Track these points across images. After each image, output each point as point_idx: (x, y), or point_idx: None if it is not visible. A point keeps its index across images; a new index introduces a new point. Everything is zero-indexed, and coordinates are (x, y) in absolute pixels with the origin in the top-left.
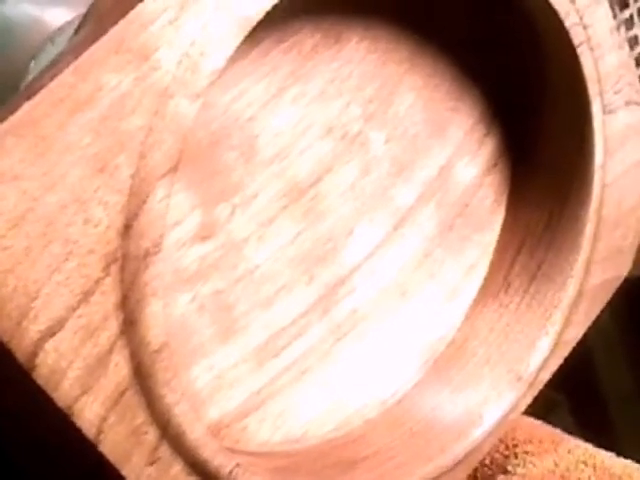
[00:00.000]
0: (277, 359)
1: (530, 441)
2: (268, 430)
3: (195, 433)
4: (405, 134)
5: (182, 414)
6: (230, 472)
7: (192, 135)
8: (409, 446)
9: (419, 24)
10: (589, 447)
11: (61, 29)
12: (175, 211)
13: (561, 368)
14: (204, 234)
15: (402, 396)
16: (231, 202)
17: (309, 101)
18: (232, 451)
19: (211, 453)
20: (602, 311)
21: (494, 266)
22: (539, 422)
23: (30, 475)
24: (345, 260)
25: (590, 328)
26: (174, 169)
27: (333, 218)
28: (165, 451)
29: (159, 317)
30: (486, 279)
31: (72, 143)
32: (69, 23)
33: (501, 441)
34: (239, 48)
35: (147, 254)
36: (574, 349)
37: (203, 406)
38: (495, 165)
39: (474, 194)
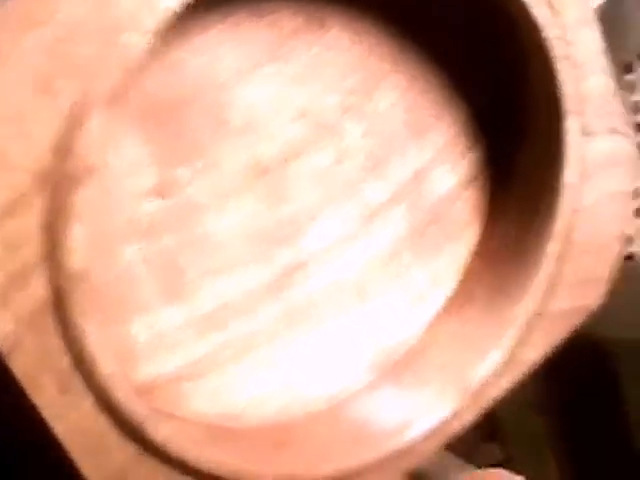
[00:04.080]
0: (222, 332)
1: None
2: (206, 401)
3: (108, 369)
4: (383, 131)
5: (95, 346)
6: (140, 417)
7: (159, 92)
8: (341, 438)
9: (405, 24)
10: None
11: None
12: (134, 162)
13: None
14: (162, 191)
15: (350, 395)
16: (194, 165)
17: (286, 81)
18: (167, 414)
19: (123, 394)
20: None
21: (463, 278)
22: None
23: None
24: (305, 246)
25: None
26: (116, 101)
27: (299, 202)
28: (77, 383)
29: (82, 243)
30: (453, 290)
31: (20, 58)
32: None
33: None
34: (214, 17)
35: (78, 179)
36: None
37: (139, 361)
38: (475, 179)
39: (450, 205)
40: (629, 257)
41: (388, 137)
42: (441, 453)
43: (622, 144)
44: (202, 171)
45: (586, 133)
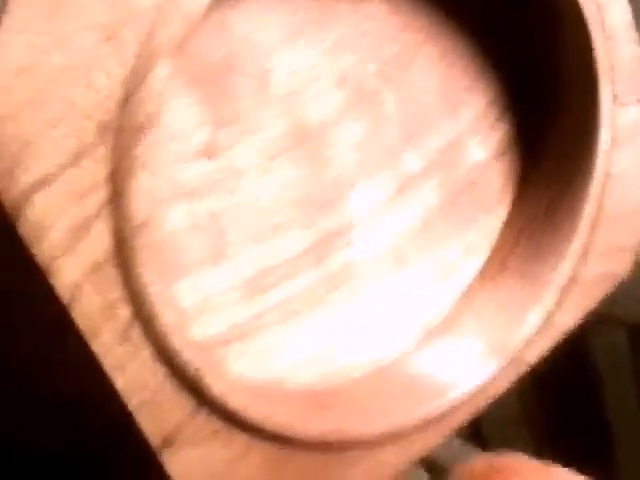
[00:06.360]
0: (265, 296)
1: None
2: (246, 365)
3: (167, 318)
4: (418, 101)
5: (156, 296)
6: (197, 369)
7: (207, 54)
8: (386, 399)
9: None
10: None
11: None
12: (183, 124)
13: None
14: (207, 153)
15: (390, 361)
16: (237, 128)
17: (326, 48)
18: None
19: (180, 345)
20: None
21: (494, 249)
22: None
23: None
24: (345, 212)
25: None
26: (178, 52)
27: (337, 169)
28: (136, 332)
29: (145, 191)
30: (485, 261)
31: (85, 7)
32: None
33: None
34: None
35: (141, 128)
36: None
37: (185, 323)
38: (504, 153)
39: (482, 176)
40: None
41: (422, 108)
42: (451, 439)
43: None
44: (245, 134)
45: (618, 103)
